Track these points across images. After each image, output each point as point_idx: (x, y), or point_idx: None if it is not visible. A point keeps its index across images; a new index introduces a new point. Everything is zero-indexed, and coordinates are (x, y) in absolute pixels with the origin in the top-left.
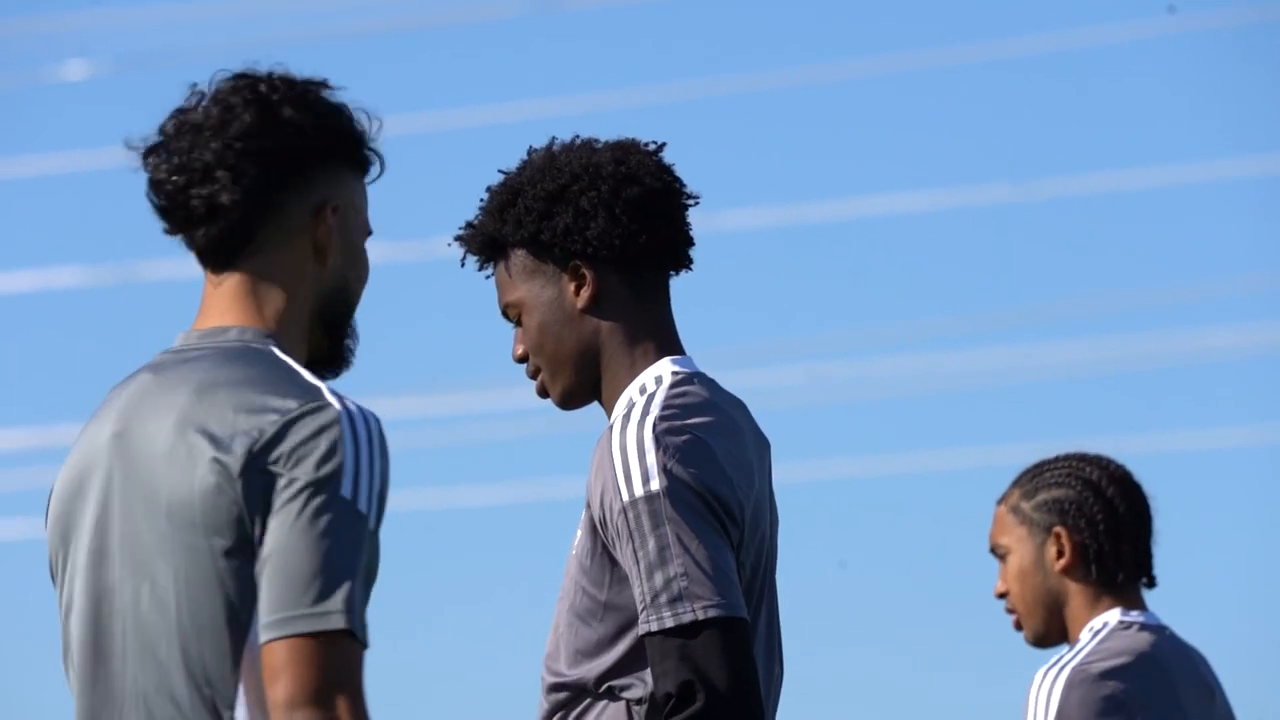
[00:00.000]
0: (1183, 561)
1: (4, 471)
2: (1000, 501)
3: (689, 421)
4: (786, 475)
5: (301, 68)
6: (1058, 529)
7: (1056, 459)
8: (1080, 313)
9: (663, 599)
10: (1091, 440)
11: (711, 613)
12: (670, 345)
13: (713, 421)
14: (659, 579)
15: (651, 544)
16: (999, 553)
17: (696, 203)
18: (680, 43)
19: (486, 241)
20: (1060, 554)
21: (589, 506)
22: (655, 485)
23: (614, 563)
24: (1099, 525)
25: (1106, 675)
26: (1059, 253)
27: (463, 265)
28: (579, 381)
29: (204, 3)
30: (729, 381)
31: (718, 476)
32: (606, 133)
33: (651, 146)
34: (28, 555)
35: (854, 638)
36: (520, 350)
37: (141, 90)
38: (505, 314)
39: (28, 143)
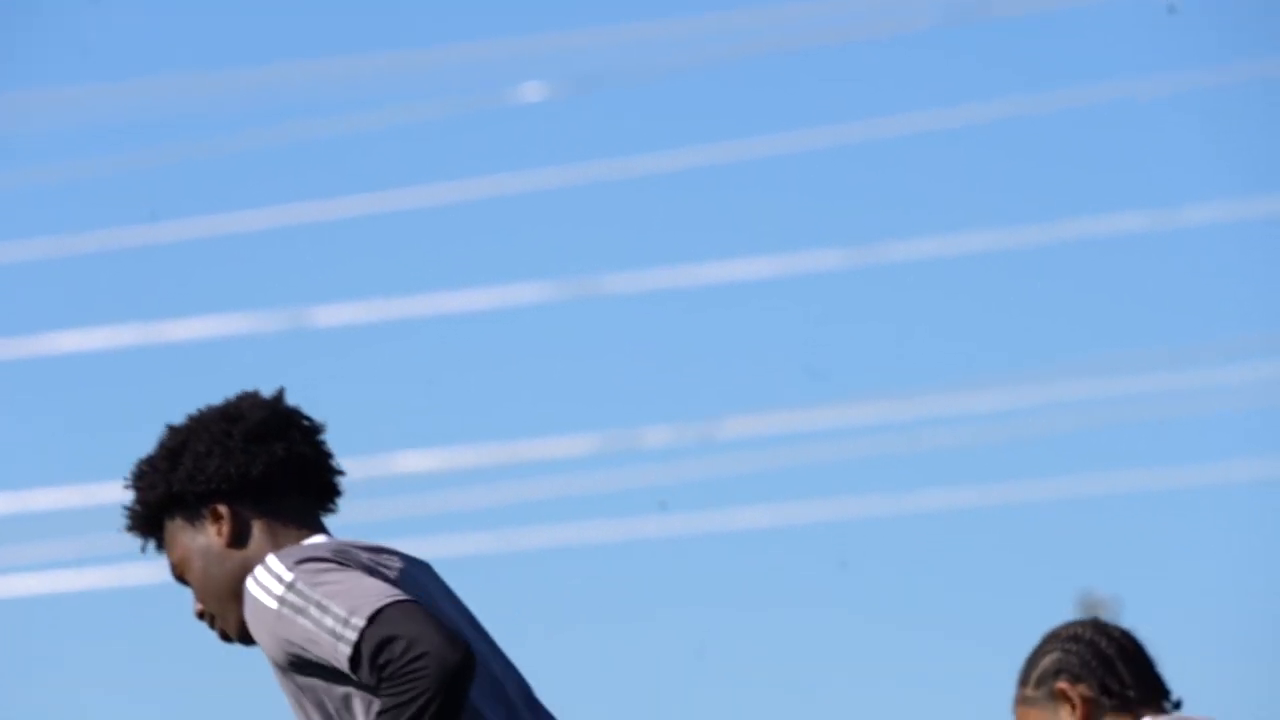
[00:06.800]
0: None
1: (465, 488)
2: (1014, 707)
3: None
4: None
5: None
6: (1059, 686)
7: (1038, 642)
8: None
9: (345, 627)
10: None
11: (382, 603)
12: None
13: (328, 544)
14: (331, 622)
15: (314, 608)
16: None
17: (320, 429)
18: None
19: (141, 519)
20: (1073, 705)
21: (273, 662)
22: (288, 576)
23: (318, 669)
24: (1091, 663)
25: None
26: None
27: (143, 551)
28: (242, 614)
29: (646, 25)
30: None
31: (326, 549)
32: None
33: (268, 393)
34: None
35: None
36: (197, 606)
37: (596, 110)
38: (176, 577)
39: (487, 163)
